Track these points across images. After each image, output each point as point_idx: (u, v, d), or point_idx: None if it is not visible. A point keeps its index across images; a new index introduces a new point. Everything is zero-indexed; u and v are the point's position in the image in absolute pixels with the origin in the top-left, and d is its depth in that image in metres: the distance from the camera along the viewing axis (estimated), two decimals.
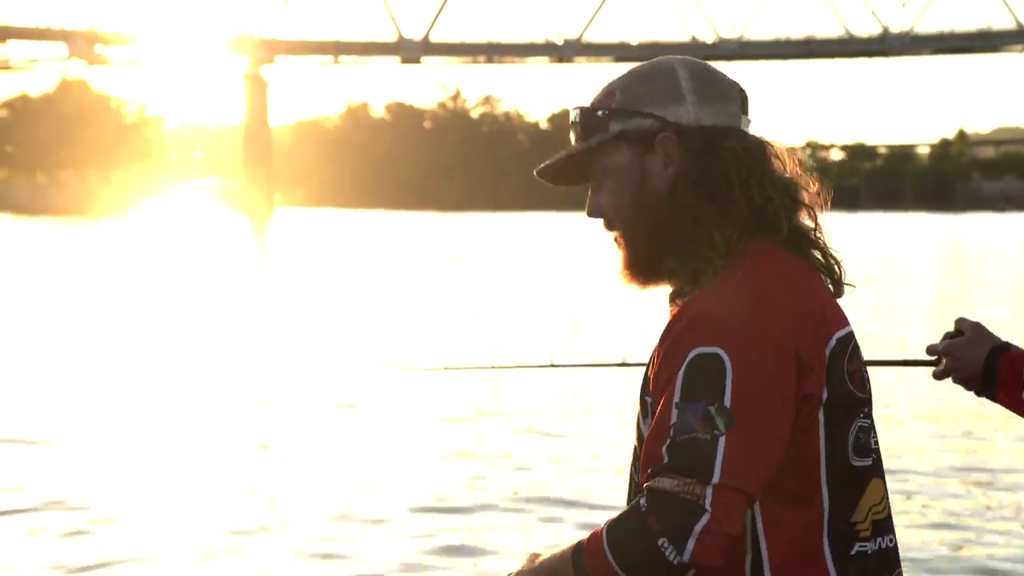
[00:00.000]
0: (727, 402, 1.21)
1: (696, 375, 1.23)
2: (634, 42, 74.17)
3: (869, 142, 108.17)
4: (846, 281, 1.41)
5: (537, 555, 1.36)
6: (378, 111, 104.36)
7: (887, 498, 1.37)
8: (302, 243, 36.37)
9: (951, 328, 1.71)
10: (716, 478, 1.19)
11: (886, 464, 1.41)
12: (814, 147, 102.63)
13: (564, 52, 73.35)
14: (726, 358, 1.23)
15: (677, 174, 1.35)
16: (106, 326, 12.81)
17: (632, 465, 1.37)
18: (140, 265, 23.63)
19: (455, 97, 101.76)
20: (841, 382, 1.30)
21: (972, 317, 1.69)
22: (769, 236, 1.34)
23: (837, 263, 1.40)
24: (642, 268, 1.38)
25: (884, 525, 1.35)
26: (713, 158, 1.34)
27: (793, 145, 1.43)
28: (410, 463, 6.36)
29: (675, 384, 1.24)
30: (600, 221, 1.42)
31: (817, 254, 1.37)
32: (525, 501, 5.56)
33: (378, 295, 17.19)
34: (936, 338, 1.74)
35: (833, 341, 1.30)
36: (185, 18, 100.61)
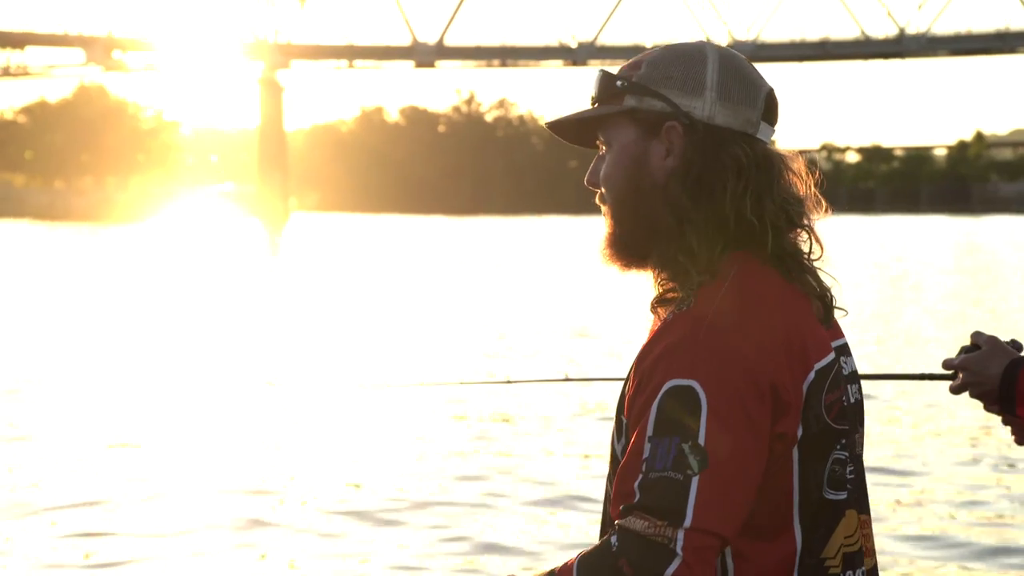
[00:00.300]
0: (701, 440, 1.18)
1: (670, 409, 1.20)
2: (648, 44, 74.16)
3: (885, 144, 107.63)
4: (838, 306, 1.37)
5: None
6: (393, 115, 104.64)
7: (864, 527, 1.35)
8: (317, 247, 36.58)
9: (968, 337, 1.69)
10: (688, 521, 1.16)
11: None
12: (830, 149, 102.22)
13: (578, 55, 73.37)
14: (701, 393, 1.20)
15: (675, 167, 1.31)
16: (123, 329, 12.96)
17: (608, 479, 1.33)
18: (157, 270, 23.87)
19: (469, 101, 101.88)
20: (817, 417, 1.27)
21: (990, 320, 1.70)
22: (756, 252, 1.30)
23: (828, 289, 1.36)
24: (623, 250, 1.35)
25: (856, 557, 1.32)
26: (714, 161, 1.30)
27: (813, 156, 1.39)
28: (421, 469, 6.39)
29: (649, 416, 1.21)
30: (596, 192, 1.39)
31: (808, 278, 1.33)
32: (535, 504, 5.57)
33: (390, 300, 17.22)
34: (953, 345, 1.75)
35: (812, 374, 1.27)
36: (201, 23, 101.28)
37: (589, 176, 1.37)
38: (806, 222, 1.34)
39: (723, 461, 1.18)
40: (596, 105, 1.36)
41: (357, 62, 75.99)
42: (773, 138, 1.37)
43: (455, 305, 16.47)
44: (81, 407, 8.19)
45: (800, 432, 1.25)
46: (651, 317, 1.35)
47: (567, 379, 2.21)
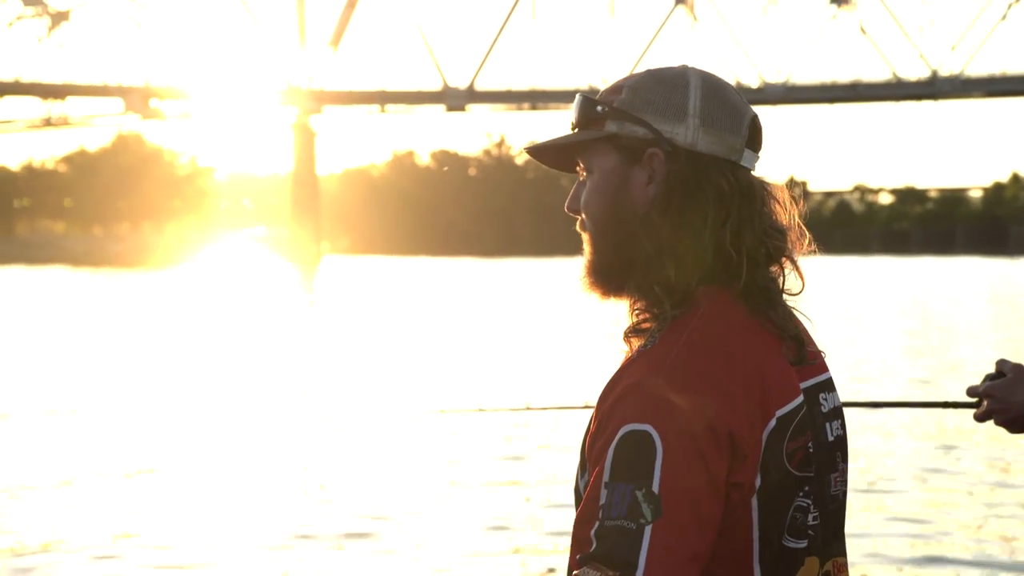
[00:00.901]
0: (655, 488, 1.16)
1: (626, 455, 1.18)
2: None
3: (919, 185, 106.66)
4: (814, 348, 1.33)
5: None
6: (424, 159, 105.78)
7: (838, 572, 1.33)
8: (349, 289, 37.00)
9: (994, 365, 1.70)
10: (640, 572, 1.14)
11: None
12: (863, 191, 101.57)
13: None
14: (657, 439, 1.17)
15: (656, 194, 1.28)
16: (162, 368, 13.35)
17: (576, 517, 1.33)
18: (194, 313, 24.34)
19: (500, 144, 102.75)
20: (778, 466, 1.24)
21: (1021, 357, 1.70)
22: (727, 287, 1.27)
23: (803, 330, 1.32)
24: (602, 279, 1.32)
25: None
26: (696, 189, 1.27)
27: (798, 189, 1.36)
28: (453, 497, 6.55)
29: (606, 460, 1.19)
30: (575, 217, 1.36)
31: (780, 315, 1.29)
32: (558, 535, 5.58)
33: (422, 339, 17.55)
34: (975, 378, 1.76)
35: (773, 422, 1.23)
36: (235, 71, 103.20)
37: (570, 202, 1.34)
38: (788, 254, 1.31)
39: (677, 510, 1.16)
40: (576, 130, 1.33)
41: (389, 107, 76.97)
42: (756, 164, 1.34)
43: (484, 341, 16.79)
44: (121, 442, 8.45)
45: (759, 481, 1.23)
46: (624, 347, 1.33)
47: (586, 406, 2.23)
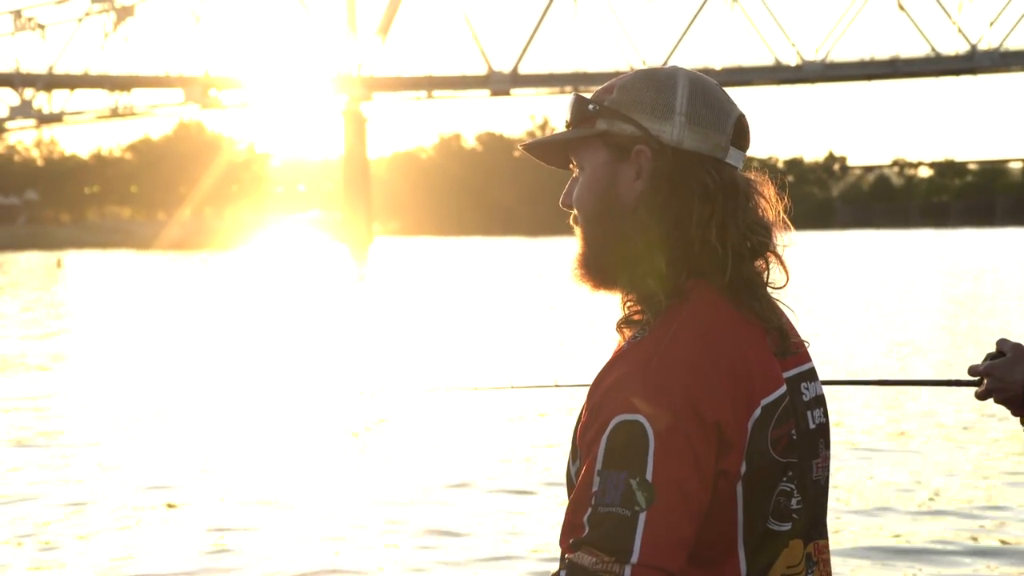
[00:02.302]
0: (648, 476, 1.20)
1: (618, 444, 1.22)
2: (717, 67, 75.41)
3: (959, 158, 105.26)
4: (797, 339, 1.38)
5: None
6: (470, 142, 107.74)
7: (819, 553, 1.38)
8: (400, 270, 37.47)
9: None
10: (635, 557, 1.18)
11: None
12: (901, 165, 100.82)
13: None
14: (648, 429, 1.21)
15: (643, 190, 1.33)
16: (222, 347, 13.90)
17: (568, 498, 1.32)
18: (252, 294, 25.12)
19: (543, 126, 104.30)
20: (762, 453, 1.28)
21: None
22: (713, 280, 1.31)
23: (785, 319, 1.38)
24: (593, 271, 1.37)
25: None
26: (681, 185, 1.31)
27: (785, 182, 1.42)
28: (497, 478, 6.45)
29: (598, 449, 1.23)
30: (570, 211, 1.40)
31: (763, 307, 1.34)
32: None
33: (469, 318, 17.67)
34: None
35: (758, 411, 1.28)
36: (289, 61, 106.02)
37: (564, 197, 1.40)
38: (772, 249, 1.35)
39: (670, 497, 1.20)
40: (569, 128, 1.38)
41: (436, 92, 78.64)
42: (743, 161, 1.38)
43: (527, 319, 16.89)
44: (180, 416, 8.76)
45: (744, 469, 1.27)
46: (616, 337, 1.38)
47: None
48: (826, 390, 1.46)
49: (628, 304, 1.38)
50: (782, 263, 1.37)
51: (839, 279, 27.80)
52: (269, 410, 9.03)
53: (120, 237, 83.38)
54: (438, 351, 13.16)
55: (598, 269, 1.36)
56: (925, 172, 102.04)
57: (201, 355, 13.18)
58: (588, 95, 1.38)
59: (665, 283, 1.31)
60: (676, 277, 1.31)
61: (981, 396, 1.71)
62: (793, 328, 1.39)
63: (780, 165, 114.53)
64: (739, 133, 1.36)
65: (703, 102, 1.34)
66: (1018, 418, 1.69)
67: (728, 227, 1.32)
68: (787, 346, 1.36)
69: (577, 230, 1.38)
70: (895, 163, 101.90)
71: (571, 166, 1.41)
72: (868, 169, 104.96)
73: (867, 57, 74.52)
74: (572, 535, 1.22)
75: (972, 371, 1.73)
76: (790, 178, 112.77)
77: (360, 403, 9.17)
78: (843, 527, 5.46)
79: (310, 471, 6.82)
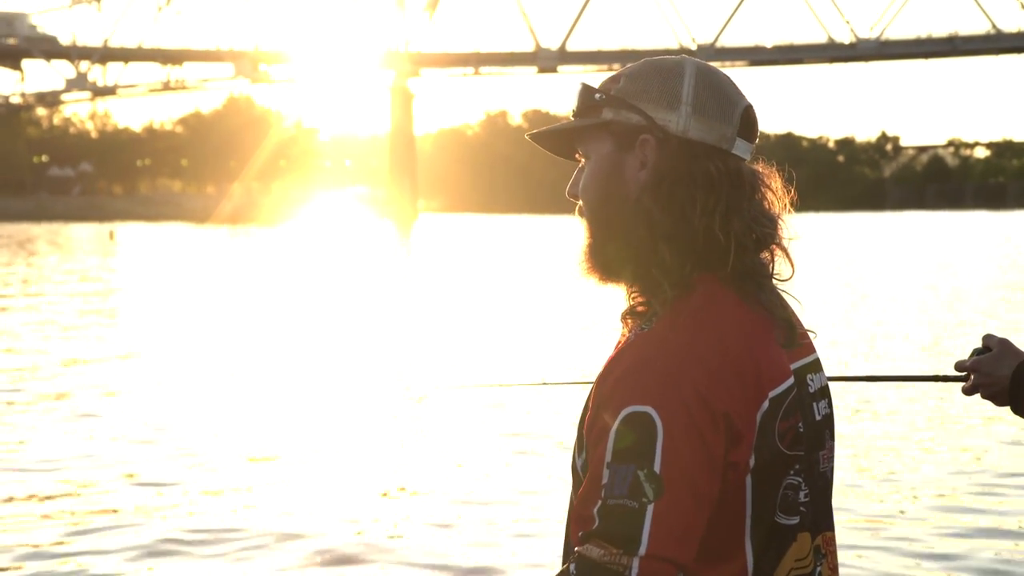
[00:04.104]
0: (657, 468, 1.19)
1: (627, 436, 1.21)
2: (768, 45, 74.49)
3: (1017, 139, 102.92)
4: (802, 331, 1.38)
5: None
6: (516, 119, 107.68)
7: (827, 545, 1.38)
8: (444, 246, 37.71)
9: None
10: (643, 549, 1.18)
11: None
12: (957, 145, 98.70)
13: (697, 57, 74.13)
14: (657, 420, 1.21)
15: (648, 180, 1.31)
16: (269, 321, 14.20)
17: (571, 495, 1.33)
18: (298, 268, 25.39)
19: None
20: (770, 446, 1.28)
21: None
22: (719, 272, 1.30)
23: (791, 311, 1.37)
24: (598, 263, 1.36)
25: None
26: (686, 175, 1.30)
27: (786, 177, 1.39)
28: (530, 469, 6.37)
29: (607, 441, 1.22)
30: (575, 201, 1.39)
31: (770, 299, 1.33)
32: None
33: (507, 301, 17.46)
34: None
35: (766, 403, 1.27)
36: (337, 36, 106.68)
37: (570, 188, 1.38)
38: (777, 241, 1.35)
39: (678, 489, 1.20)
40: (575, 117, 1.37)
41: (483, 69, 78.84)
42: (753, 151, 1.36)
43: (571, 302, 16.40)
44: (219, 394, 8.85)
45: (752, 461, 1.26)
46: (621, 328, 1.37)
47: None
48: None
49: (633, 295, 1.36)
50: (788, 255, 1.36)
51: (891, 261, 27.54)
52: (307, 388, 9.23)
53: (171, 210, 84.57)
54: (472, 338, 12.94)
55: (603, 260, 1.35)
56: (981, 153, 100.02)
57: (247, 331, 13.48)
58: (590, 84, 1.37)
59: (670, 274, 1.30)
60: (681, 268, 1.30)
61: (968, 391, 1.72)
62: (798, 320, 1.38)
63: (831, 145, 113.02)
64: (746, 124, 1.34)
65: (710, 92, 1.32)
66: (1008, 407, 1.70)
67: (732, 218, 1.30)
68: (794, 338, 1.35)
69: (582, 221, 1.37)
70: (950, 143, 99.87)
71: (577, 156, 1.40)
72: (922, 149, 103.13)
73: (923, 35, 73.11)
74: (582, 527, 1.23)
75: (959, 367, 1.74)
76: (841, 158, 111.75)
77: (398, 393, 9.13)
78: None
79: (338, 449, 6.95)
